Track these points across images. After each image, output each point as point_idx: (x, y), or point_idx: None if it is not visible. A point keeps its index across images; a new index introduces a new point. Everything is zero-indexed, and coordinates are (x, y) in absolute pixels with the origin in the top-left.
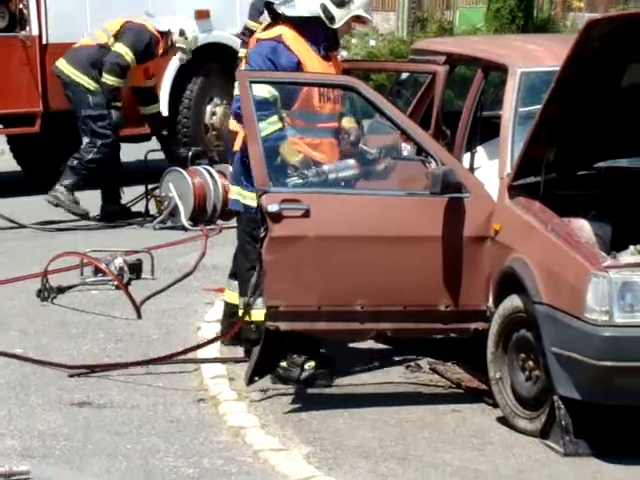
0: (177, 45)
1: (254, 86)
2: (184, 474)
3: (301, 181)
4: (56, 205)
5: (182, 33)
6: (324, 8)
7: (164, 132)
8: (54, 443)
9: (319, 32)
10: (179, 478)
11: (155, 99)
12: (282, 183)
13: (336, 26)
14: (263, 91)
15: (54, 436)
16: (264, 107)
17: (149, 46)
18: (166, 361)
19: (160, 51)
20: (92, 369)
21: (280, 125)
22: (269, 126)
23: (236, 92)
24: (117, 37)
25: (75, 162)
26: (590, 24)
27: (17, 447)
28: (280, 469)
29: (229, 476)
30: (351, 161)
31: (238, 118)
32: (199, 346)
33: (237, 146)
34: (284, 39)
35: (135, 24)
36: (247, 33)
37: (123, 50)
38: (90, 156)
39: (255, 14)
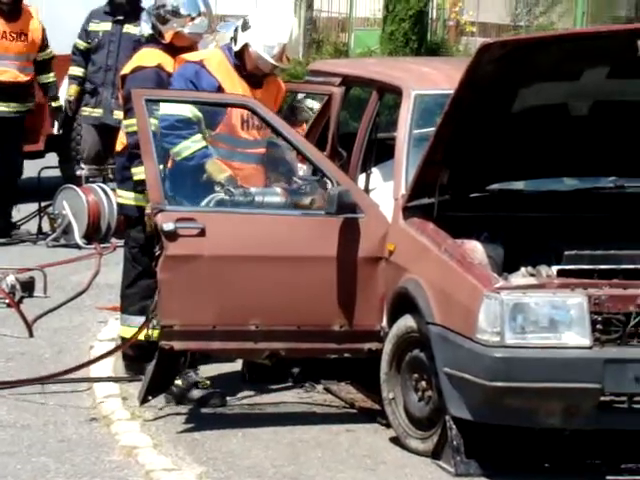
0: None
1: (177, 106)
2: None
3: (227, 198)
4: None
5: None
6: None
7: (57, 122)
8: None
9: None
10: None
11: (50, 69)
12: (177, 202)
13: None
14: (186, 110)
15: None
16: (187, 126)
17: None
18: (58, 379)
19: None
20: None
21: (204, 143)
22: (193, 144)
23: (161, 112)
24: None
25: None
26: (483, 48)
27: None
28: None
29: None
30: (278, 189)
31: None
32: (91, 362)
33: (119, 147)
34: (206, 63)
35: None
36: (77, 52)
37: None
38: None
39: (83, 35)
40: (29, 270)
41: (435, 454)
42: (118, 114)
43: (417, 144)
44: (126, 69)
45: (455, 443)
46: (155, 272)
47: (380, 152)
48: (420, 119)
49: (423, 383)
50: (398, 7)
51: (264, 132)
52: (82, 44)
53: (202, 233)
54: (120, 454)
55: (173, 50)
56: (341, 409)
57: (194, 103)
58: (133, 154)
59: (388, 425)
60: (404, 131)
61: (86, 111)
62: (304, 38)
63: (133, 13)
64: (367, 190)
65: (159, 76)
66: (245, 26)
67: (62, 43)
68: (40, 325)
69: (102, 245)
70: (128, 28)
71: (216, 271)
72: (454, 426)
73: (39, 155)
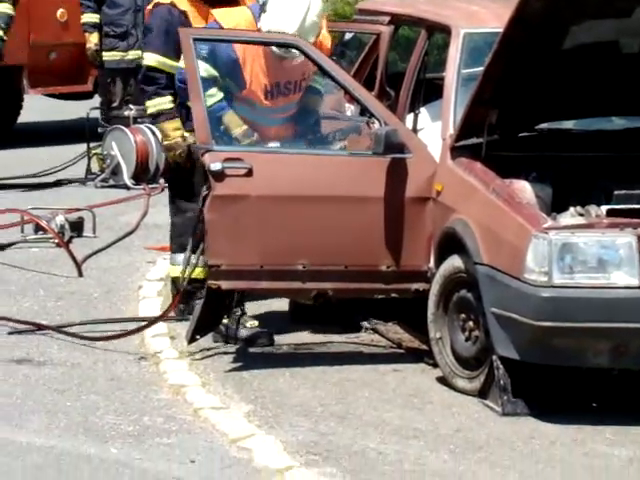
0: None
1: (201, 64)
2: (124, 431)
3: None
4: None
5: None
6: None
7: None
8: None
9: None
10: (119, 435)
11: None
12: (225, 141)
13: None
14: (201, 71)
15: None
16: (202, 84)
17: None
18: (108, 318)
19: None
20: (38, 327)
21: (221, 96)
22: (208, 99)
23: (180, 64)
24: None
25: None
26: None
27: None
28: (220, 427)
29: (169, 434)
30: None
31: (180, 92)
32: (144, 326)
33: None
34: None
35: None
36: None
37: None
38: None
39: None
40: (78, 210)
41: (482, 394)
42: None
43: (466, 84)
44: (149, 5)
45: (502, 383)
46: (202, 212)
47: (428, 92)
48: (469, 58)
49: (470, 323)
50: None
51: (292, 97)
52: None
53: (249, 173)
54: (168, 392)
55: None
56: (388, 349)
57: (241, 42)
58: (142, 89)
59: (435, 365)
60: (453, 70)
61: (116, 56)
62: None
63: None
64: (415, 130)
65: (170, 13)
66: (263, 8)
67: None
68: (89, 265)
69: (150, 185)
70: None
71: (263, 211)
72: (501, 366)
73: (87, 96)
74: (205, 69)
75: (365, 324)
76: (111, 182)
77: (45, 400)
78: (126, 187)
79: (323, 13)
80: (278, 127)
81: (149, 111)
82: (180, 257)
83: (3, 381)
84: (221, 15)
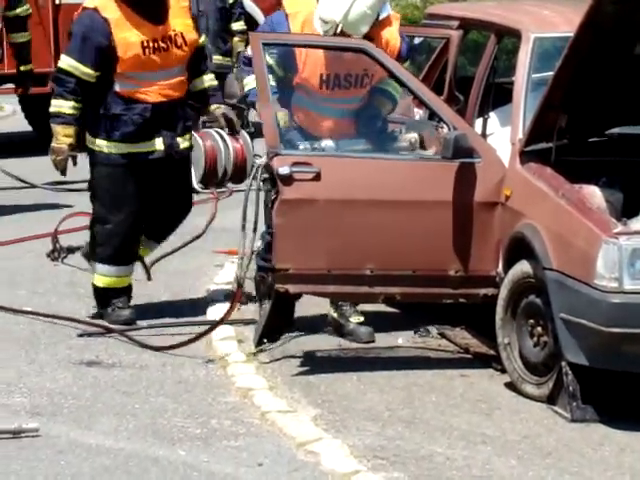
0: None
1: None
2: (192, 434)
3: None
4: None
5: None
6: None
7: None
8: (63, 401)
9: None
10: (187, 438)
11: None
12: (293, 145)
13: None
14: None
15: (63, 394)
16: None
17: None
18: (176, 322)
19: None
20: (107, 330)
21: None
22: (250, 82)
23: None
24: None
25: None
26: None
27: (26, 405)
28: (287, 431)
29: (237, 437)
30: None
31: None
32: (207, 331)
33: None
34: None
35: None
36: None
37: None
38: None
39: None
40: None
41: (550, 399)
42: (217, 58)
43: (535, 88)
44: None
45: (571, 389)
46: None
47: (498, 96)
48: (539, 63)
49: (539, 328)
50: None
51: (353, 91)
52: None
53: (317, 177)
54: (236, 395)
55: None
56: (455, 354)
57: (310, 47)
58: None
59: (503, 370)
60: (522, 75)
61: None
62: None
63: None
64: (484, 135)
65: (92, 19)
66: None
67: None
68: (158, 268)
69: (218, 190)
70: None
71: (331, 215)
72: (570, 372)
73: None
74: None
75: (433, 329)
76: None
77: (114, 402)
78: (195, 191)
79: (391, 15)
80: (336, 119)
81: (50, 109)
82: (98, 266)
83: (72, 383)
84: (289, 2)
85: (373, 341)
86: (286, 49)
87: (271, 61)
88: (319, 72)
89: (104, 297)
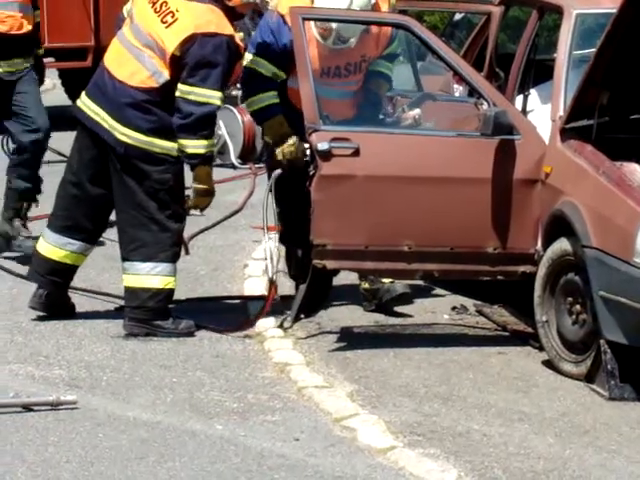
0: None
1: (258, 60)
2: (229, 408)
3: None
4: None
5: None
6: None
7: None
8: (101, 374)
9: None
10: (224, 412)
11: None
12: (332, 121)
13: None
14: (264, 70)
15: (101, 367)
16: (262, 81)
17: None
18: (213, 296)
19: None
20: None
21: (277, 101)
22: (268, 99)
23: (249, 64)
24: None
25: None
26: None
27: (65, 377)
28: (324, 406)
29: (273, 412)
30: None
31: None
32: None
33: None
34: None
35: None
36: None
37: None
38: None
39: None
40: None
41: (589, 378)
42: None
43: (577, 65)
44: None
45: (609, 367)
46: (308, 192)
47: (538, 73)
48: (581, 39)
49: (577, 306)
50: None
51: (351, 77)
52: None
53: (356, 153)
54: (273, 371)
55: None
56: (493, 331)
57: (350, 22)
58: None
59: (541, 348)
60: (564, 52)
61: None
62: None
63: None
64: (524, 111)
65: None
66: None
67: None
68: (196, 243)
69: (257, 165)
70: None
71: (369, 191)
72: (609, 350)
73: None
74: (269, 68)
75: (471, 306)
76: (218, 161)
77: (152, 376)
78: (233, 166)
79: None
80: (336, 100)
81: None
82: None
83: (111, 356)
84: (280, 3)
85: (409, 292)
86: (284, 48)
87: (276, 70)
88: (319, 66)
89: None
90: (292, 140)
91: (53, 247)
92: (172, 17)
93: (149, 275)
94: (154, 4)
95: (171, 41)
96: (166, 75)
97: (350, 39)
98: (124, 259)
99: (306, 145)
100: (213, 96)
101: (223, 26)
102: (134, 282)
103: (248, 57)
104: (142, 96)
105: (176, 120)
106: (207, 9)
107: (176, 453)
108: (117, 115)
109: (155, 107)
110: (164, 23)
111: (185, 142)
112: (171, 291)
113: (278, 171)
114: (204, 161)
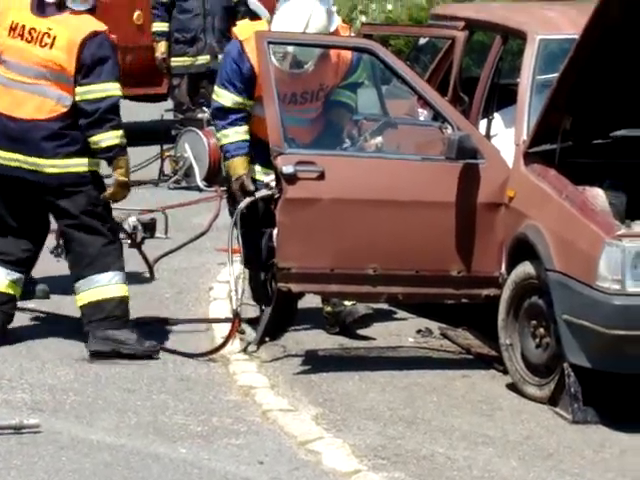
0: None
1: (221, 93)
2: (193, 431)
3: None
4: None
5: None
6: None
7: None
8: (64, 397)
9: None
10: (188, 435)
11: None
12: (297, 144)
13: None
14: (227, 100)
15: (64, 391)
16: (225, 115)
17: None
18: (178, 319)
19: None
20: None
21: (246, 137)
22: (223, 138)
23: (214, 97)
24: None
25: None
26: None
27: (27, 400)
28: (289, 429)
29: (237, 435)
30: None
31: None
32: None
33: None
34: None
35: None
36: (159, 6)
37: None
38: None
39: None
40: (151, 212)
41: (552, 401)
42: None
43: (540, 90)
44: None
45: (573, 390)
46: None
47: (502, 97)
48: (544, 64)
49: (541, 330)
50: None
51: (308, 105)
52: None
53: (321, 176)
54: (237, 394)
55: None
56: (457, 354)
57: (314, 46)
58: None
59: (505, 371)
60: (527, 76)
61: (187, 61)
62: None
63: None
64: (488, 136)
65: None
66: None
67: None
68: (161, 266)
69: (222, 188)
70: None
71: (334, 215)
72: (572, 373)
73: (162, 98)
74: (232, 99)
75: (435, 329)
76: (183, 184)
77: (115, 399)
78: (198, 189)
79: (339, 27)
80: (294, 127)
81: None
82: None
83: (74, 379)
84: (240, 29)
85: (371, 313)
86: (249, 74)
87: (240, 100)
88: (285, 92)
89: None
90: (242, 180)
91: None
92: (49, 37)
93: (109, 285)
94: (22, 36)
95: (63, 58)
96: (70, 96)
97: (306, 64)
98: (78, 278)
99: (264, 178)
100: (111, 88)
101: (95, 24)
102: (96, 295)
103: (216, 90)
104: (56, 124)
105: (83, 121)
106: (74, 16)
107: (140, 476)
108: (38, 152)
109: (70, 129)
110: (45, 46)
111: (98, 137)
112: (128, 298)
113: (243, 204)
114: (122, 150)
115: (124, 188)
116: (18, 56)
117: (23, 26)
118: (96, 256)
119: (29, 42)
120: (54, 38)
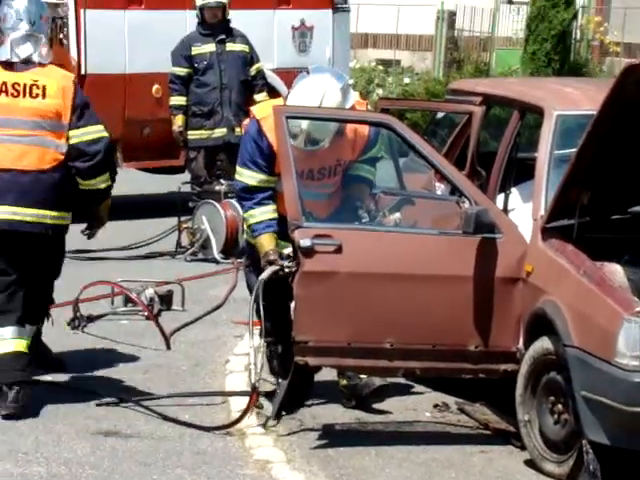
0: None
1: (245, 173)
2: None
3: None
4: None
5: None
6: None
7: None
8: (80, 471)
9: None
10: None
11: None
12: (315, 218)
13: None
14: (251, 180)
15: (80, 464)
16: (254, 194)
17: None
18: (195, 392)
19: None
20: (120, 400)
21: (274, 215)
22: (262, 215)
23: (237, 177)
24: None
25: None
26: (629, 69)
27: (43, 474)
28: None
29: None
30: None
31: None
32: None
33: None
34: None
35: None
36: (177, 81)
37: None
38: None
39: (182, 61)
40: (167, 284)
41: (571, 478)
42: (239, 131)
43: (558, 165)
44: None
45: (592, 467)
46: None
47: (520, 172)
48: (561, 140)
49: (559, 406)
50: (540, 27)
51: (326, 180)
52: (183, 70)
53: (339, 250)
54: (254, 468)
55: None
56: (475, 430)
57: (334, 120)
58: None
59: (523, 447)
60: (545, 151)
61: (204, 134)
62: (445, 57)
63: (229, 31)
64: (506, 210)
65: None
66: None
67: None
68: (177, 338)
69: (239, 260)
70: (231, 46)
71: (352, 288)
72: (591, 450)
73: (179, 170)
74: (255, 176)
75: (452, 404)
76: (200, 256)
77: (131, 473)
78: (215, 261)
79: (355, 103)
80: (312, 201)
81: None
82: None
83: (91, 453)
84: (257, 108)
85: (387, 385)
86: (266, 152)
87: (264, 177)
88: (302, 168)
89: None
90: (269, 255)
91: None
92: (38, 88)
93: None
94: (6, 92)
95: (59, 104)
96: (64, 143)
97: (321, 142)
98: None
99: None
100: (101, 130)
101: (68, 72)
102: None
103: (239, 170)
104: (58, 172)
105: (82, 165)
106: (47, 67)
107: None
108: (44, 203)
109: (65, 179)
110: (37, 97)
111: (96, 180)
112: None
113: (265, 275)
114: (109, 190)
115: (103, 225)
116: (5, 111)
117: (4, 82)
118: (36, 305)
119: (16, 96)
120: (44, 87)
